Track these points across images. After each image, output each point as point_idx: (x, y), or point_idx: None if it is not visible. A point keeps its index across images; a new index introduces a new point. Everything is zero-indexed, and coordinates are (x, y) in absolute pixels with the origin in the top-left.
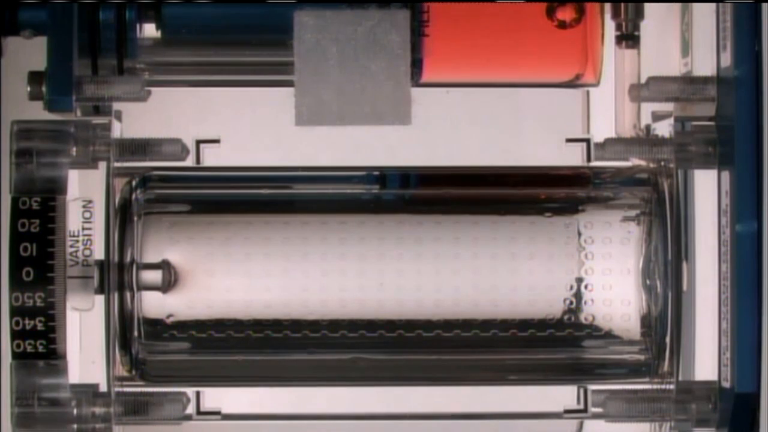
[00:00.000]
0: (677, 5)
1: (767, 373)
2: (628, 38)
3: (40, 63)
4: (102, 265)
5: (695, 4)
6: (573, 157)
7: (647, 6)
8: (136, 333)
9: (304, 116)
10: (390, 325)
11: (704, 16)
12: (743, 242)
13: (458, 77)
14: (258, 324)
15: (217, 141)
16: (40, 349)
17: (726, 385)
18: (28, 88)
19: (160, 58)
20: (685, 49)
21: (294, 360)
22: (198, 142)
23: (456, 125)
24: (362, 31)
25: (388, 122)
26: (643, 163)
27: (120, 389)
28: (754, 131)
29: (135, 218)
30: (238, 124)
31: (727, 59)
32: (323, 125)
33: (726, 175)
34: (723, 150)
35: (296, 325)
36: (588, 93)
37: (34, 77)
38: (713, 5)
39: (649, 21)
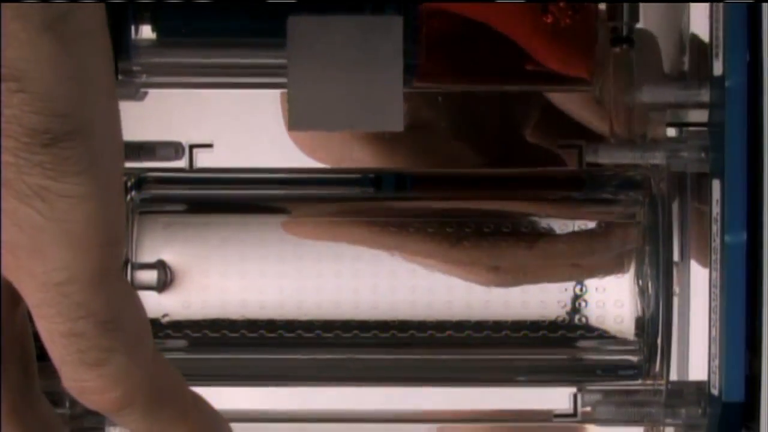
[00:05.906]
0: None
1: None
2: (624, 41)
3: None
4: None
5: (692, 5)
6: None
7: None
8: None
9: (297, 121)
10: (384, 325)
11: (701, 15)
12: (732, 253)
13: (451, 83)
14: (253, 324)
15: (210, 146)
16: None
17: (714, 392)
18: None
19: (155, 59)
20: (683, 47)
21: (289, 360)
22: (191, 147)
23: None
24: (356, 37)
25: (379, 127)
26: (637, 166)
27: None
28: (745, 142)
29: (130, 218)
30: (233, 125)
31: (719, 68)
32: (316, 130)
33: (717, 184)
34: (714, 157)
35: (291, 325)
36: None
37: None
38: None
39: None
